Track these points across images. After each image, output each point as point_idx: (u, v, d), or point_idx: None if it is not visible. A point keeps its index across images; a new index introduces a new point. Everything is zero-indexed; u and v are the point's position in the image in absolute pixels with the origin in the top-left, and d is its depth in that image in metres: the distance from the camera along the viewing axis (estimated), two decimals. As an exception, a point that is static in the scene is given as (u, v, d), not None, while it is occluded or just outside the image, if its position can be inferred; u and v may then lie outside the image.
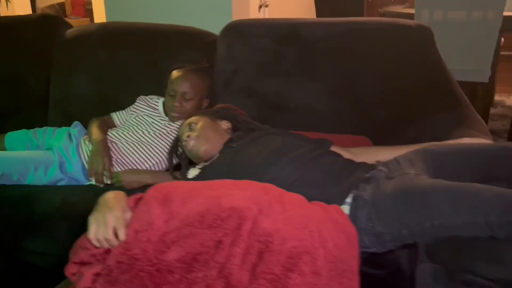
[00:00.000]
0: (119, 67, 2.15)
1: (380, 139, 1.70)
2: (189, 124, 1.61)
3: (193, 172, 1.48)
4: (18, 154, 1.81)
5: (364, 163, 1.35)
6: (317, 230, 0.96)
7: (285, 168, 1.30)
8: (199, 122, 1.59)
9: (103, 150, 1.75)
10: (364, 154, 1.47)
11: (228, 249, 0.90)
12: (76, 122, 2.00)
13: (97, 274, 0.94)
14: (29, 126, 2.05)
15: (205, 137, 1.54)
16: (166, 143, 1.84)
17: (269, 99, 1.89)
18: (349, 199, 1.18)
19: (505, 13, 2.69)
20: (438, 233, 1.04)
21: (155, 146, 1.83)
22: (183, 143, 1.61)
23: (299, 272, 0.86)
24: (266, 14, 3.32)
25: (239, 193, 1.03)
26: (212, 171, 1.42)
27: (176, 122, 1.89)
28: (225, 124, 1.65)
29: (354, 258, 0.96)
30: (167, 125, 1.88)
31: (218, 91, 1.98)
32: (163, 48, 2.11)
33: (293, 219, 0.98)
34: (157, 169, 1.82)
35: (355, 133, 1.77)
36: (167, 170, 1.78)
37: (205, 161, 1.54)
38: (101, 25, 2.24)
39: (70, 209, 1.59)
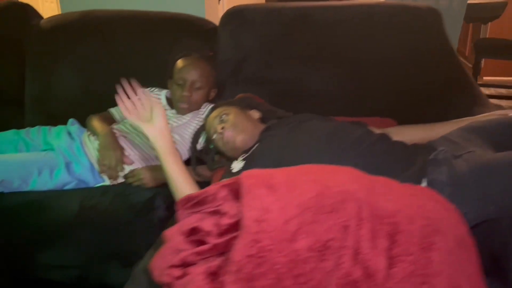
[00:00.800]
0: (109, 60, 1.98)
1: (402, 121, 1.71)
2: (219, 116, 1.51)
3: (237, 165, 1.39)
4: (16, 157, 1.60)
5: (417, 145, 1.34)
6: (433, 209, 0.94)
7: (343, 154, 1.26)
8: (230, 113, 1.50)
9: (113, 142, 1.60)
10: (400, 134, 1.46)
11: (356, 234, 0.85)
12: (71, 120, 1.81)
13: (214, 273, 0.84)
14: (2, 129, 1.81)
15: (241, 127, 1.46)
16: (182, 137, 1.73)
17: (282, 86, 1.85)
18: (424, 184, 1.16)
19: (469, 1, 2.86)
20: None
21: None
22: (215, 137, 1.51)
23: (438, 251, 0.84)
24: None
25: (340, 176, 0.98)
26: (260, 161, 1.35)
27: (185, 116, 1.77)
28: (255, 113, 1.57)
29: (467, 233, 0.95)
30: (176, 119, 1.76)
31: (226, 81, 1.89)
32: (159, 37, 1.98)
33: (405, 199, 0.95)
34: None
35: (374, 116, 1.77)
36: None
37: (244, 152, 1.45)
38: (83, 14, 2.05)
39: (90, 214, 1.43)
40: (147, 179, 1.57)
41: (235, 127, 1.45)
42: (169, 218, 1.42)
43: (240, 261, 0.79)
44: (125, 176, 1.59)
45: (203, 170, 1.64)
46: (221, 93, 1.88)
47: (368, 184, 0.97)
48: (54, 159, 1.59)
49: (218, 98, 1.86)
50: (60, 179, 1.56)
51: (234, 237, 0.87)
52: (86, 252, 1.41)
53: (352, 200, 0.89)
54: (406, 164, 1.22)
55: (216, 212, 0.94)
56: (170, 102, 1.85)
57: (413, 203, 0.93)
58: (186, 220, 0.95)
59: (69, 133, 1.72)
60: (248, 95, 1.71)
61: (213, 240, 0.88)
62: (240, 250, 0.79)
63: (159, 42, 1.96)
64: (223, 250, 0.87)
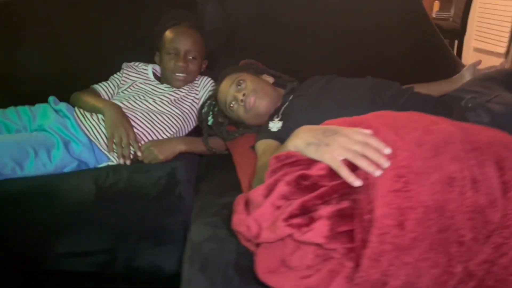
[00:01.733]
0: (83, 35, 1.80)
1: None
2: (235, 83, 1.45)
3: (275, 125, 1.35)
4: (6, 137, 1.38)
5: (444, 97, 1.42)
6: (507, 136, 0.99)
7: (386, 107, 1.28)
8: (245, 79, 1.45)
9: (123, 117, 1.47)
10: (419, 89, 1.52)
11: (468, 165, 0.85)
12: (52, 98, 1.62)
13: (345, 215, 0.81)
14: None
15: (263, 92, 1.43)
16: (181, 111, 1.64)
17: (278, 55, 1.82)
18: None
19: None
20: None
21: (171, 115, 1.61)
22: (234, 105, 1.45)
23: None
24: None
25: (425, 117, 1.00)
26: (299, 116, 1.32)
27: (181, 90, 1.68)
28: (268, 78, 1.54)
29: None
30: (172, 93, 1.66)
31: (216, 52, 1.82)
32: (138, 8, 1.84)
33: (484, 131, 0.99)
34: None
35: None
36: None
37: (270, 116, 1.42)
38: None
39: (111, 194, 1.30)
40: (158, 153, 1.46)
41: (257, 93, 1.41)
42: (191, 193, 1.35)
43: (385, 196, 0.77)
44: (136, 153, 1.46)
45: (214, 143, 1.57)
46: (213, 65, 1.80)
47: (449, 122, 0.99)
48: (50, 138, 1.41)
49: (209, 70, 1.79)
50: (60, 160, 1.39)
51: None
52: (112, 235, 1.28)
53: (452, 135, 0.90)
54: (445, 113, 1.27)
55: (315, 163, 0.91)
56: (157, 77, 1.74)
57: (493, 134, 0.97)
58: (286, 172, 0.91)
59: (56, 112, 1.53)
60: (251, 61, 1.66)
61: (327, 183, 0.85)
62: (383, 185, 0.77)
63: (142, 14, 1.83)
64: (342, 192, 0.84)
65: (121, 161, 1.43)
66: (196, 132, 1.69)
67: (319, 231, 0.81)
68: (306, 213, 0.83)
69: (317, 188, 0.86)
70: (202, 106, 1.61)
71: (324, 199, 0.84)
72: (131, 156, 1.43)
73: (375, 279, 0.75)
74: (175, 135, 1.60)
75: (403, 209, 0.75)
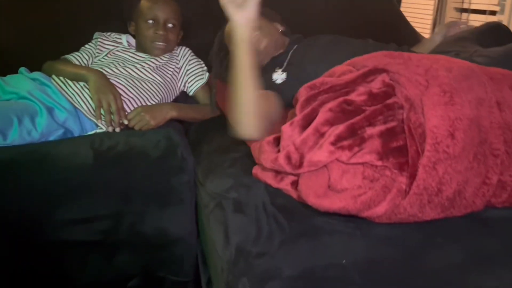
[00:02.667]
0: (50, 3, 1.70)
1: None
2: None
3: (279, 77, 1.36)
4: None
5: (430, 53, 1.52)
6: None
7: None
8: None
9: (109, 83, 1.41)
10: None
11: (489, 90, 0.92)
12: (23, 68, 1.51)
13: (392, 131, 0.85)
14: None
15: (268, 32, 1.43)
16: (164, 79, 1.60)
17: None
18: None
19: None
20: None
21: (155, 82, 1.57)
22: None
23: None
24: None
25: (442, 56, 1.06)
26: (307, 67, 1.35)
27: (161, 58, 1.64)
28: (278, 26, 1.56)
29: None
30: (154, 60, 1.63)
31: (193, 23, 1.80)
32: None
33: (489, 68, 1.08)
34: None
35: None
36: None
37: (274, 62, 1.43)
38: None
39: (111, 158, 1.25)
40: (149, 119, 1.41)
41: (261, 30, 1.41)
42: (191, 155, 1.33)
43: (436, 108, 0.81)
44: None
45: (201, 109, 1.56)
46: (189, 36, 1.78)
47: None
48: (32, 106, 1.32)
49: (185, 39, 1.77)
50: (45, 127, 1.30)
51: (395, 102, 0.89)
52: (117, 198, 1.22)
53: (471, 66, 0.97)
54: None
55: (351, 91, 0.94)
56: (131, 47, 1.69)
57: (499, 69, 1.06)
58: (323, 101, 0.93)
59: (33, 80, 1.43)
60: (268, 9, 1.66)
61: (369, 108, 0.88)
62: (432, 99, 0.82)
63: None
64: (387, 114, 0.88)
65: (110, 128, 1.37)
66: (176, 101, 1.66)
67: (372, 148, 0.84)
68: (354, 135, 0.86)
69: (360, 113, 0.89)
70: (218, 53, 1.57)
71: (370, 121, 0.87)
72: (120, 124, 1.37)
73: (431, 187, 0.79)
74: (162, 101, 1.56)
75: (453, 120, 0.80)
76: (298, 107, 0.95)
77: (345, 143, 0.85)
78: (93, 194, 1.20)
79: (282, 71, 1.37)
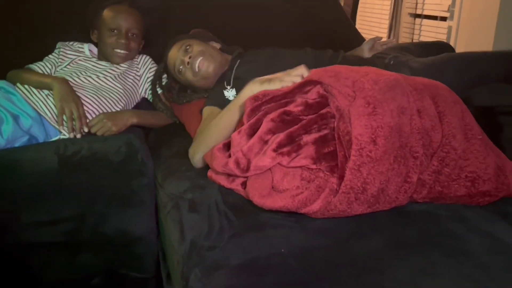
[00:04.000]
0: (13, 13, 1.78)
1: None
2: (182, 49, 1.57)
3: (230, 93, 1.49)
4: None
5: (367, 57, 1.69)
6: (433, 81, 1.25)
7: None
8: (192, 44, 1.58)
9: (71, 91, 1.51)
10: None
11: (412, 100, 1.08)
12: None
13: (325, 139, 1.00)
14: None
15: (210, 55, 1.56)
16: (124, 87, 1.71)
17: (212, 32, 1.96)
18: None
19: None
20: None
21: (116, 91, 1.67)
22: (181, 69, 1.56)
23: (459, 104, 1.16)
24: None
25: (371, 68, 1.22)
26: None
27: (121, 66, 1.75)
28: (215, 44, 1.68)
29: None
30: (113, 69, 1.73)
31: (152, 31, 1.92)
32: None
33: (413, 78, 1.25)
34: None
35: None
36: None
37: (219, 81, 1.56)
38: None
39: (75, 163, 1.35)
40: (111, 125, 1.52)
41: (203, 55, 1.54)
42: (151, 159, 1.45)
43: (360, 118, 0.96)
44: (88, 126, 1.51)
45: (158, 116, 1.68)
46: (150, 44, 1.89)
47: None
48: (-3, 114, 1.40)
49: (145, 48, 1.88)
50: (11, 134, 1.38)
51: (328, 112, 1.04)
52: (81, 200, 1.33)
53: (398, 78, 1.13)
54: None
55: (290, 102, 1.08)
56: (94, 57, 1.79)
57: (424, 80, 1.23)
58: (266, 111, 1.06)
59: (-4, 89, 1.52)
60: (200, 30, 1.79)
61: (305, 117, 1.03)
62: (357, 110, 0.97)
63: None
64: (321, 123, 1.03)
65: (72, 135, 1.47)
66: (137, 107, 1.76)
67: (307, 153, 0.98)
68: (292, 142, 1.00)
69: (298, 122, 1.03)
70: (156, 75, 1.69)
71: (306, 129, 1.01)
72: (82, 131, 1.47)
73: (357, 187, 0.94)
74: (122, 110, 1.66)
75: (375, 128, 0.96)
76: (245, 117, 1.09)
77: (285, 149, 0.99)
78: (58, 197, 1.30)
79: (231, 87, 1.50)
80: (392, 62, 1.57)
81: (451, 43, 3.51)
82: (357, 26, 4.66)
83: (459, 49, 3.40)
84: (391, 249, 0.91)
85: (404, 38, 4.11)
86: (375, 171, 0.95)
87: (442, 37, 3.63)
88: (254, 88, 1.19)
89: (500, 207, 1.06)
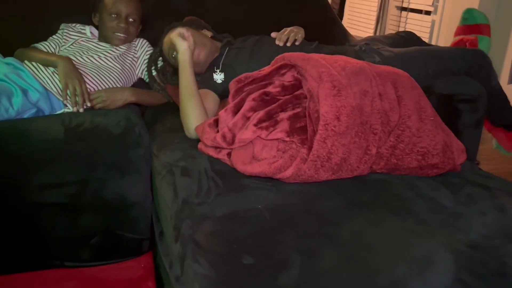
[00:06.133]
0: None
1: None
2: (178, 36, 1.75)
3: (219, 76, 1.69)
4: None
5: (340, 46, 1.89)
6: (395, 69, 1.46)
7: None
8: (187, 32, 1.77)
9: (75, 69, 1.69)
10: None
11: (375, 84, 1.29)
12: (-5, 53, 1.76)
13: (297, 116, 1.20)
14: None
15: (201, 43, 1.75)
16: (123, 67, 1.89)
17: (206, 17, 2.12)
18: None
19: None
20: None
21: (116, 71, 1.85)
22: (175, 54, 1.75)
23: (417, 89, 1.36)
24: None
25: (340, 57, 1.42)
26: (237, 68, 1.68)
27: (120, 47, 1.93)
28: (207, 32, 1.87)
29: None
30: (113, 50, 1.91)
31: (150, 17, 2.09)
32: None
33: (378, 66, 1.45)
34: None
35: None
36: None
37: (210, 65, 1.75)
38: None
39: (79, 133, 1.53)
40: (109, 100, 1.71)
41: (195, 43, 1.73)
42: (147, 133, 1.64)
43: (326, 99, 1.16)
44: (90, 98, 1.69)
45: (154, 96, 1.87)
46: (147, 29, 2.07)
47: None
48: (8, 87, 1.58)
49: (145, 32, 2.06)
50: (21, 106, 1.57)
51: (301, 93, 1.24)
52: (83, 167, 1.51)
53: (363, 65, 1.33)
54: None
55: (269, 84, 1.29)
56: (94, 37, 1.96)
57: (388, 68, 1.43)
58: (249, 92, 1.27)
59: (7, 65, 1.69)
60: (193, 17, 1.97)
61: (282, 97, 1.23)
62: (324, 92, 1.17)
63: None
64: (295, 102, 1.23)
65: (75, 109, 1.65)
66: (134, 87, 1.95)
67: (282, 128, 1.18)
68: (270, 119, 1.20)
69: (275, 101, 1.23)
70: (152, 58, 1.88)
71: (283, 107, 1.21)
72: (84, 105, 1.66)
73: (323, 156, 1.15)
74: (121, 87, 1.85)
75: (339, 107, 1.16)
76: (230, 97, 1.29)
77: (264, 124, 1.19)
78: (64, 163, 1.49)
79: (220, 71, 1.70)
80: (363, 48, 1.77)
81: (434, 36, 3.73)
82: (346, 17, 4.88)
83: (441, 42, 3.62)
84: (348, 207, 1.12)
85: (390, 30, 4.33)
86: (338, 143, 1.16)
87: (426, 30, 3.84)
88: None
89: (445, 178, 1.28)
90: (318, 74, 1.22)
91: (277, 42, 1.73)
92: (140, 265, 1.64)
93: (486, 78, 1.72)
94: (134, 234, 1.63)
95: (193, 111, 1.49)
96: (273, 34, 1.81)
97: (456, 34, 2.75)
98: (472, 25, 2.65)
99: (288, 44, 1.71)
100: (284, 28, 1.81)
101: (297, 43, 1.73)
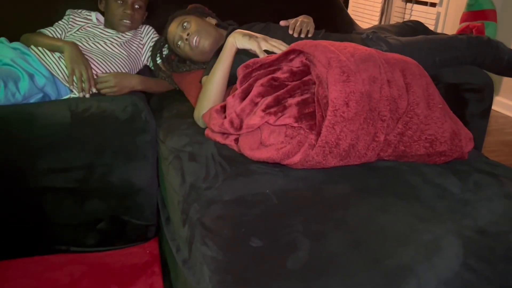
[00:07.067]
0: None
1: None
2: (181, 25, 1.75)
3: None
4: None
5: (347, 34, 1.89)
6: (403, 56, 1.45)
7: None
8: (190, 20, 1.76)
9: (81, 54, 1.69)
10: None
11: (383, 71, 1.29)
12: (2, 38, 1.76)
13: (306, 102, 1.20)
14: None
15: (206, 31, 1.74)
16: (129, 54, 1.88)
17: (212, 4, 2.12)
18: None
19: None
20: None
21: (122, 57, 1.85)
22: (180, 44, 1.75)
23: (425, 77, 1.36)
24: None
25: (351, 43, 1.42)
26: (241, 58, 1.68)
27: (126, 34, 1.93)
28: (212, 20, 1.87)
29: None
30: (119, 36, 1.91)
31: (156, 5, 2.09)
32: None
33: (387, 53, 1.45)
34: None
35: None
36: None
37: (216, 53, 1.75)
38: None
39: (85, 118, 1.53)
40: (117, 87, 1.71)
41: (200, 32, 1.72)
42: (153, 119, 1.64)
43: (336, 84, 1.16)
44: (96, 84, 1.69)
45: (161, 83, 1.87)
46: (153, 16, 2.07)
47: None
48: (15, 72, 1.58)
49: (151, 19, 2.06)
50: (27, 91, 1.57)
51: (310, 79, 1.24)
52: (90, 152, 1.52)
53: (372, 52, 1.33)
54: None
55: (277, 69, 1.28)
56: (100, 23, 1.96)
57: (396, 55, 1.43)
58: (257, 77, 1.26)
59: (14, 49, 1.69)
60: (198, 5, 1.96)
61: (291, 83, 1.23)
62: (334, 77, 1.17)
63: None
64: (303, 88, 1.23)
65: (81, 94, 1.66)
66: (140, 74, 1.95)
67: (291, 114, 1.18)
68: (279, 104, 1.20)
69: (284, 87, 1.23)
70: (156, 46, 1.88)
71: (291, 93, 1.21)
72: (91, 91, 1.66)
73: (331, 142, 1.15)
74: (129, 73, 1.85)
75: (348, 93, 1.16)
76: (238, 82, 1.29)
77: (272, 110, 1.19)
78: (70, 148, 1.49)
79: None
80: (370, 36, 1.77)
81: (439, 28, 3.71)
82: (351, 9, 4.86)
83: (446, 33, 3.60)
84: (356, 193, 1.13)
85: (395, 22, 4.31)
86: (347, 129, 1.16)
87: (431, 23, 3.83)
88: (236, 37, 1.39)
89: (453, 166, 1.28)
90: (327, 59, 1.21)
91: (290, 32, 1.72)
92: (145, 251, 1.65)
93: (495, 62, 1.71)
94: (140, 220, 1.64)
95: (215, 98, 1.46)
96: (282, 23, 1.80)
97: (462, 20, 2.73)
98: (478, 10, 2.63)
99: (302, 35, 1.71)
100: (295, 19, 1.80)
101: (309, 35, 1.73)
